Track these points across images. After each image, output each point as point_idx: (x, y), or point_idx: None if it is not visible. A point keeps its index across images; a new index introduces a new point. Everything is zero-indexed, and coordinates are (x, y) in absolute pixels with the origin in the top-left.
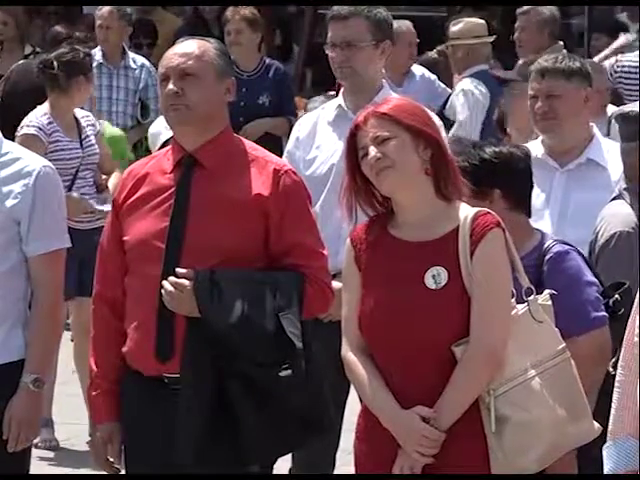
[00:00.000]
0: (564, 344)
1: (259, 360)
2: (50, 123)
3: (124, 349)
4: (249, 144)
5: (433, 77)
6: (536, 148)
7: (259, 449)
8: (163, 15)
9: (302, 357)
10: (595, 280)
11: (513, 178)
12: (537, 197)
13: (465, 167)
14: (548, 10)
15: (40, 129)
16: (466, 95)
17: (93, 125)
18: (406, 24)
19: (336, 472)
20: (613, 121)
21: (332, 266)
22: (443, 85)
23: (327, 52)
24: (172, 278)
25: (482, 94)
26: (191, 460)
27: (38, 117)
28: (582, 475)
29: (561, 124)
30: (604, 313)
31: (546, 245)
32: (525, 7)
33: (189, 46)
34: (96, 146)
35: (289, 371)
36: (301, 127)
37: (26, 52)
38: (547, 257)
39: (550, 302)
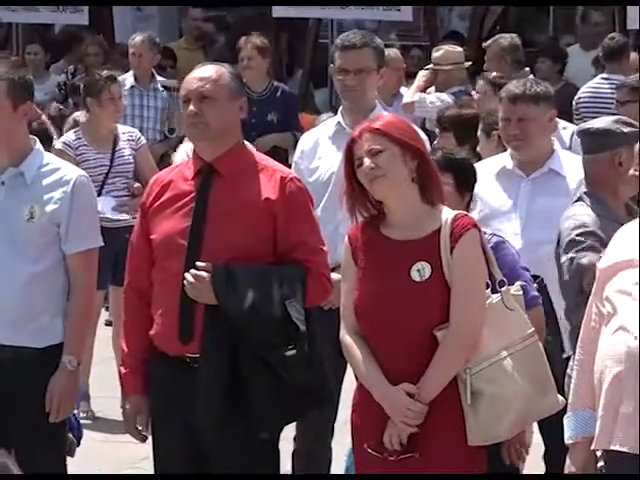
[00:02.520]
0: (533, 329)
1: (268, 342)
2: (78, 139)
3: (151, 332)
4: (259, 155)
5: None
6: (505, 160)
7: (268, 418)
8: (180, 44)
9: (305, 339)
10: (526, 266)
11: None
12: (506, 202)
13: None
14: (508, 40)
15: (66, 144)
16: (431, 102)
17: (134, 140)
18: (394, 51)
19: (334, 440)
20: (575, 135)
21: (332, 260)
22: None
23: (336, 76)
24: (193, 271)
25: None
26: (211, 428)
27: (68, 134)
28: (581, 475)
29: (530, 143)
30: (537, 293)
31: (485, 237)
32: (491, 39)
33: (206, 71)
34: (129, 157)
35: (294, 351)
36: (305, 141)
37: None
38: (489, 245)
39: (521, 292)
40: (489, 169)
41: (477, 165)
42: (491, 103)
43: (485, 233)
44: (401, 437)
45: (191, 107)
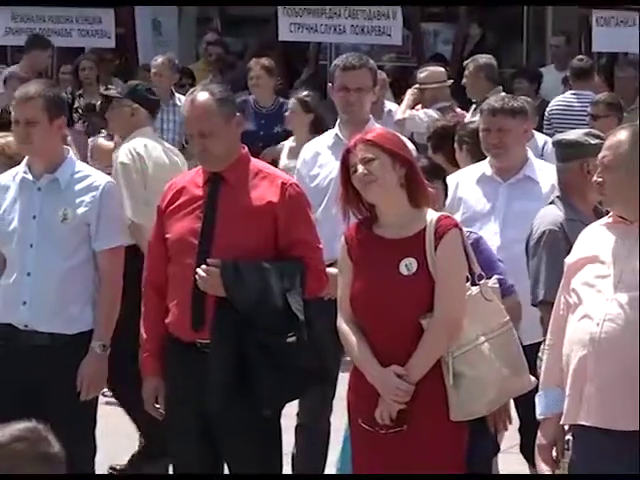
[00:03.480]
0: (508, 317)
1: (271, 329)
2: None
3: (167, 321)
4: (262, 164)
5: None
6: (484, 167)
7: (270, 397)
8: (198, 65)
9: (304, 327)
10: (500, 259)
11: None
12: (486, 205)
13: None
14: (484, 60)
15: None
16: (419, 117)
17: None
18: (379, 71)
19: (333, 415)
20: (550, 145)
21: (330, 256)
22: None
23: (337, 93)
24: (204, 266)
25: None
26: (220, 406)
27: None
28: (580, 475)
29: (508, 152)
30: (512, 283)
31: (466, 234)
32: (470, 59)
33: (199, 106)
34: None
35: (294, 338)
36: (307, 151)
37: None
38: (469, 242)
39: (497, 285)
40: (470, 175)
41: (458, 172)
42: None
43: (466, 231)
44: (391, 413)
45: (196, 143)
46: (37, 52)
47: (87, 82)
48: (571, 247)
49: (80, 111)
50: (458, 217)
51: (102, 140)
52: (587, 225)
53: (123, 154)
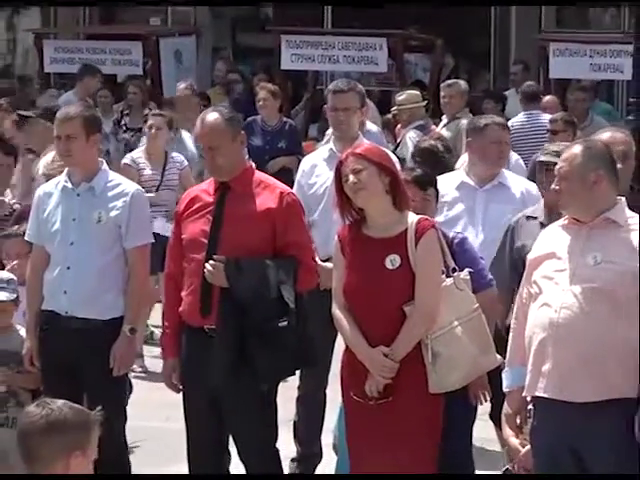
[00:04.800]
0: (477, 304)
1: (266, 316)
2: (139, 157)
3: (180, 309)
4: (263, 176)
5: (376, 129)
6: (462, 176)
7: (266, 373)
8: (214, 90)
9: (294, 314)
10: (482, 256)
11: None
12: (464, 209)
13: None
14: (463, 84)
15: (133, 161)
16: (411, 140)
17: (180, 162)
18: (367, 100)
19: (328, 388)
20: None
21: (325, 253)
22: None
23: (329, 113)
24: (211, 262)
25: None
26: (223, 379)
27: (134, 154)
28: (579, 475)
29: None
30: (492, 276)
31: (451, 235)
32: (449, 81)
33: (208, 124)
34: (174, 176)
35: (285, 323)
36: (305, 163)
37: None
38: (455, 241)
39: (468, 277)
40: (451, 182)
41: (440, 179)
42: None
43: (454, 232)
44: (378, 387)
45: (206, 155)
46: (88, 79)
47: (134, 103)
48: (514, 241)
49: (125, 127)
50: (441, 219)
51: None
52: (542, 224)
53: (42, 166)
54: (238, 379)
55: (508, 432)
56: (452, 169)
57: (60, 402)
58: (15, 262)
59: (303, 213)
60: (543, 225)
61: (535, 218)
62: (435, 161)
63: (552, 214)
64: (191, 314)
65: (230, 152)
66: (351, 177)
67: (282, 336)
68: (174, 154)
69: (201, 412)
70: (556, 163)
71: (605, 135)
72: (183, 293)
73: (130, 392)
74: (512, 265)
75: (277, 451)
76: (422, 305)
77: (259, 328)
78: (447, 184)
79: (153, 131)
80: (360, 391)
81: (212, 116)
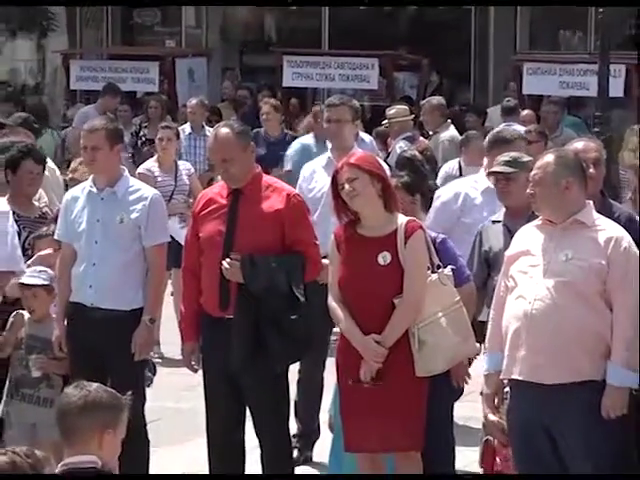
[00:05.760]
0: (459, 297)
1: (278, 308)
2: (153, 167)
3: (201, 300)
4: (272, 179)
5: (369, 139)
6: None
7: (279, 358)
8: (225, 105)
9: (304, 307)
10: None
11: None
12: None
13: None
14: (437, 100)
15: (148, 169)
16: (401, 149)
17: (189, 169)
18: None
19: (325, 371)
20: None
21: (324, 251)
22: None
23: (324, 125)
24: (227, 259)
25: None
26: (240, 363)
27: (147, 164)
28: (579, 475)
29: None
30: (470, 273)
31: (434, 235)
32: (422, 101)
33: (221, 138)
34: (186, 181)
35: (296, 315)
36: (306, 169)
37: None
38: (438, 241)
39: (451, 273)
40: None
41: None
42: None
43: (436, 233)
44: (372, 372)
45: (218, 168)
46: (109, 97)
47: (153, 117)
48: (482, 242)
49: (144, 139)
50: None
51: None
52: (506, 226)
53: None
54: (255, 361)
55: (487, 410)
56: (430, 178)
57: (96, 385)
58: (46, 251)
59: (309, 212)
60: (507, 227)
61: (500, 222)
62: (413, 170)
63: (514, 217)
64: (211, 306)
65: (242, 162)
66: (347, 186)
67: (293, 326)
68: (181, 162)
69: (220, 391)
70: (507, 172)
71: (579, 144)
72: (203, 286)
73: (154, 374)
74: (480, 265)
75: (288, 428)
76: (409, 297)
77: (273, 319)
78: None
79: (164, 143)
80: (356, 376)
81: (223, 131)
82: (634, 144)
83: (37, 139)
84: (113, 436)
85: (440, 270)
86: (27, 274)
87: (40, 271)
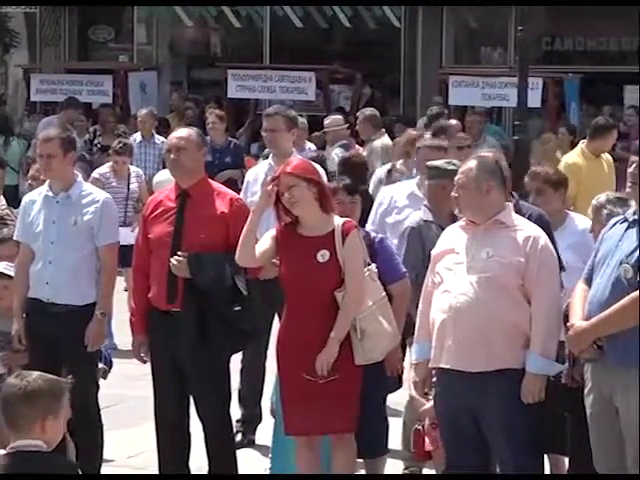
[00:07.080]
0: (384, 293)
1: (223, 301)
2: (106, 172)
3: (149, 295)
4: (216, 184)
5: (314, 148)
6: (414, 187)
7: (224, 348)
8: (172, 115)
9: (247, 300)
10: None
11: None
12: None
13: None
14: (370, 111)
15: (102, 175)
16: (337, 155)
17: (139, 176)
18: (301, 119)
19: (266, 361)
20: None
21: None
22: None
23: (263, 133)
24: (175, 257)
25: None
26: (187, 352)
27: (101, 169)
28: (579, 475)
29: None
30: (405, 269)
31: (373, 235)
32: (359, 111)
33: (182, 132)
34: (137, 187)
35: (239, 307)
36: (250, 175)
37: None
38: (376, 240)
39: (376, 270)
40: (402, 191)
41: (393, 186)
42: None
43: (374, 233)
44: (329, 362)
45: (172, 155)
46: (71, 110)
47: (106, 127)
48: (424, 240)
49: (99, 145)
50: (391, 220)
51: None
52: (443, 227)
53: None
54: (199, 351)
55: (416, 396)
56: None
57: (35, 374)
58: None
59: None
60: (439, 226)
61: (432, 222)
62: (353, 173)
63: (442, 216)
64: (159, 300)
65: (194, 157)
66: (286, 194)
67: (236, 318)
68: (133, 168)
69: (167, 379)
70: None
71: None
72: (151, 282)
73: (110, 367)
74: (423, 262)
75: (229, 412)
76: (353, 290)
77: (218, 311)
78: (399, 191)
79: (119, 165)
80: (311, 371)
81: (186, 130)
82: (539, 154)
83: (6, 147)
84: (54, 421)
85: (370, 267)
86: (3, 265)
87: (12, 266)
